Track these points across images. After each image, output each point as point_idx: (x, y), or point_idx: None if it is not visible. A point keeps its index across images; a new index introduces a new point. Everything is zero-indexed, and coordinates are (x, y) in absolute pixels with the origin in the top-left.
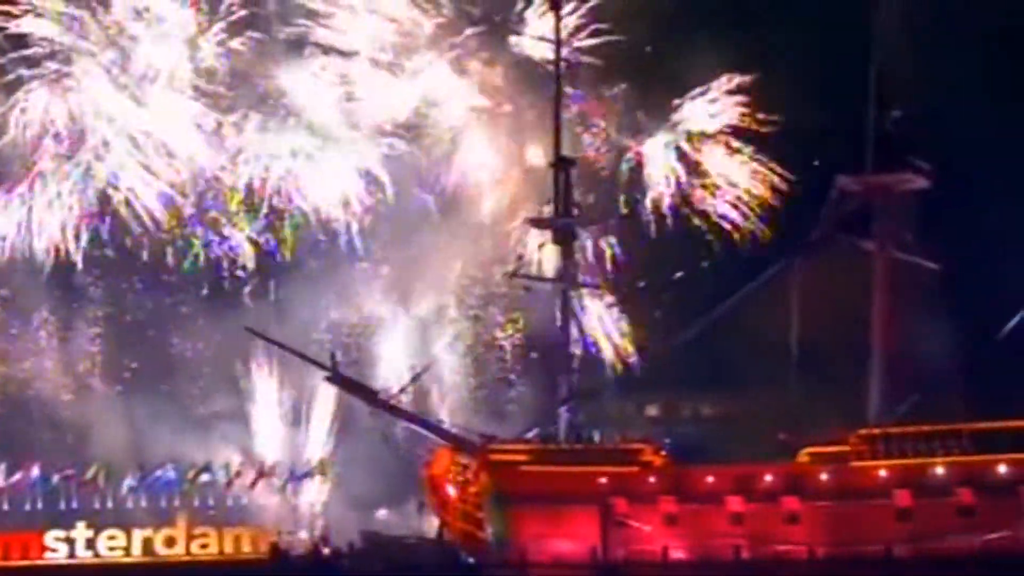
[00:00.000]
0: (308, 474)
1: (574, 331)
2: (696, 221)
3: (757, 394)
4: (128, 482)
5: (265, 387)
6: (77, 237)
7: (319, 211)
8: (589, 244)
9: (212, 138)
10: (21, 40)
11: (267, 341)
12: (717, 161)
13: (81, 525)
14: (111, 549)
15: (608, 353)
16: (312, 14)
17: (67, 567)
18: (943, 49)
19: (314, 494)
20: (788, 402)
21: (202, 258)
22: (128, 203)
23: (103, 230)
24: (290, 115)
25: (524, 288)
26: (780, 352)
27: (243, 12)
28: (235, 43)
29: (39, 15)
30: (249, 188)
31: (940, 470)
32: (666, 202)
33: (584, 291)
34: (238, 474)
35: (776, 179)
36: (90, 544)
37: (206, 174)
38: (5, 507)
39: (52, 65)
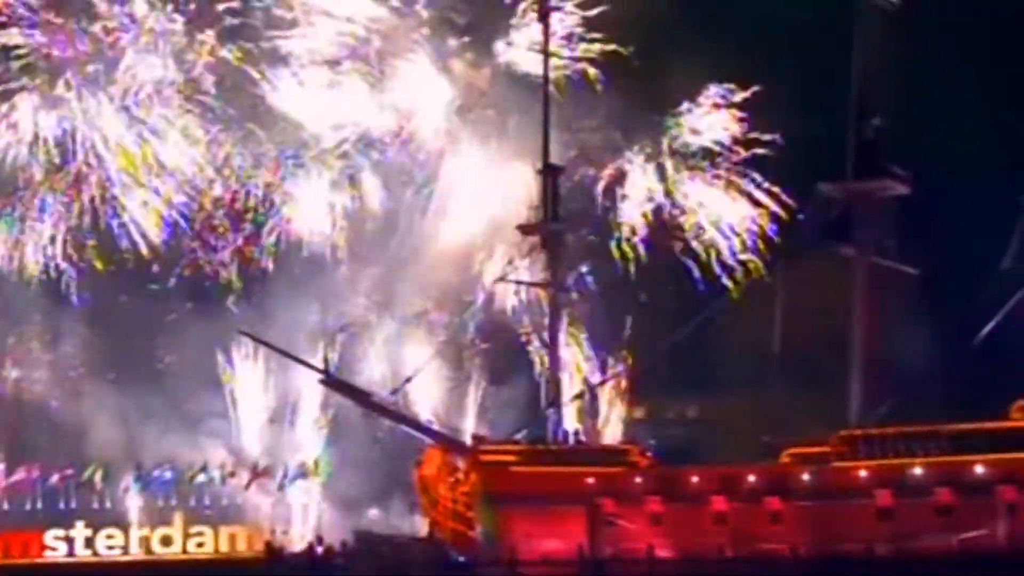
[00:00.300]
0: (302, 475)
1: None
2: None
3: (740, 397)
4: (126, 482)
5: (254, 390)
6: (66, 248)
7: (304, 218)
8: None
9: (199, 148)
10: (8, 51)
11: (262, 344)
12: (703, 192)
13: (80, 524)
14: (109, 548)
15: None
16: (293, 23)
17: (66, 565)
18: (923, 59)
19: (307, 494)
20: (771, 405)
21: (187, 271)
22: (117, 213)
23: (90, 241)
24: (275, 123)
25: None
26: (763, 356)
27: (230, 23)
28: (223, 53)
29: (29, 25)
30: (234, 198)
31: (919, 470)
32: (640, 231)
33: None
34: (232, 474)
35: (768, 200)
36: (89, 543)
37: (194, 182)
38: (6, 507)
39: (39, 76)
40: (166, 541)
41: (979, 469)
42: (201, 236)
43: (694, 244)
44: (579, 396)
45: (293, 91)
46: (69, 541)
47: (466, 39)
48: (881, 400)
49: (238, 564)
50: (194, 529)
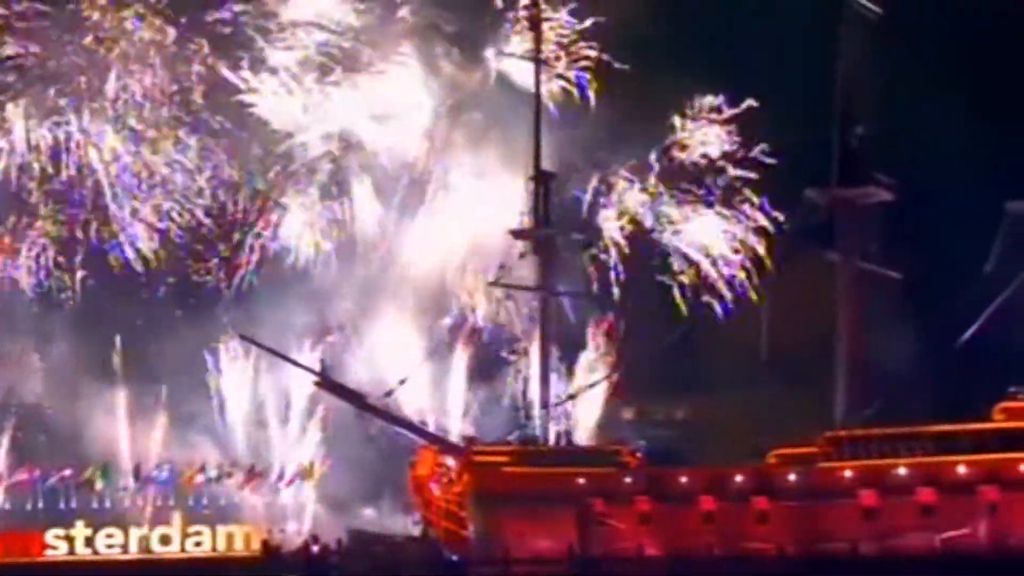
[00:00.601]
0: (297, 476)
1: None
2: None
3: (729, 399)
4: (125, 483)
5: (246, 392)
6: (59, 259)
7: (292, 225)
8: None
9: (189, 157)
10: (2, 61)
11: (259, 347)
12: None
13: (80, 524)
14: (109, 547)
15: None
16: (280, 33)
17: (67, 564)
18: (906, 68)
19: (302, 494)
20: (758, 407)
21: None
22: (108, 222)
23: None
24: (264, 133)
25: (506, 296)
26: (751, 359)
27: (220, 32)
28: (213, 63)
29: (19, 36)
30: (223, 206)
31: (903, 471)
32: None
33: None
34: (229, 475)
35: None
36: (89, 542)
37: (185, 191)
38: (7, 507)
39: (32, 86)
40: (165, 540)
41: (961, 469)
42: (191, 244)
43: (676, 266)
44: (571, 398)
45: (282, 100)
46: (69, 540)
47: (454, 49)
48: (866, 402)
49: (235, 563)
50: (192, 528)
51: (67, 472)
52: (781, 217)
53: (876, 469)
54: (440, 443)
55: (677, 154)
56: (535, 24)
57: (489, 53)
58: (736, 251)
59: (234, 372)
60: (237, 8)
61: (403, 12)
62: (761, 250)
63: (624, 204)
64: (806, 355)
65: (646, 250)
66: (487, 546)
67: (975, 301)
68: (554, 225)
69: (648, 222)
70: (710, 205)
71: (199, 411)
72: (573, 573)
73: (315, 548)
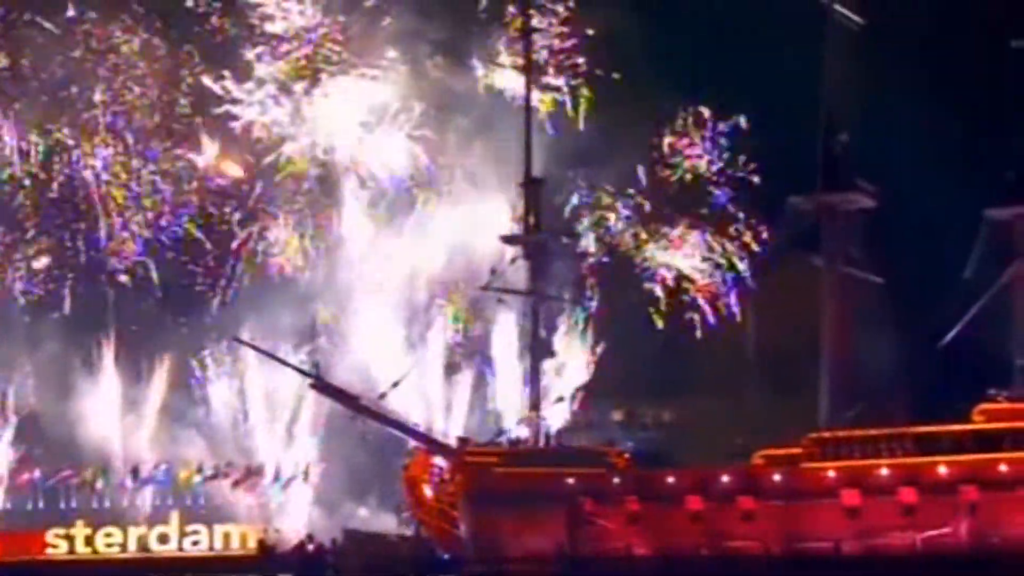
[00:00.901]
0: (294, 477)
1: None
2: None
3: (715, 401)
4: (123, 483)
5: (239, 393)
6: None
7: (281, 233)
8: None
9: (177, 166)
10: None
11: (255, 350)
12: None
13: (80, 523)
14: (108, 546)
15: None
16: (268, 43)
17: (67, 563)
18: (888, 77)
19: (297, 494)
20: (744, 408)
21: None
22: (99, 227)
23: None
24: (253, 143)
25: (498, 300)
26: (737, 362)
27: (208, 43)
28: (201, 73)
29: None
30: (211, 214)
31: (885, 471)
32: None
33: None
34: (226, 475)
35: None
36: (88, 541)
37: (169, 200)
38: (8, 506)
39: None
40: (163, 539)
41: (942, 470)
42: (181, 251)
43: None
44: (560, 400)
45: (270, 110)
46: (69, 539)
47: (439, 58)
48: (849, 403)
49: (232, 561)
50: (190, 528)
51: (67, 472)
52: (765, 233)
53: (859, 469)
54: (433, 444)
55: (662, 173)
56: (526, 33)
57: (476, 61)
58: (717, 266)
59: (224, 376)
60: (225, 20)
61: (387, 20)
62: (743, 266)
63: (606, 217)
64: (791, 358)
65: (626, 266)
66: (479, 545)
67: (955, 306)
68: (545, 230)
69: (628, 237)
70: (694, 227)
71: (201, 412)
72: (563, 573)
73: (310, 547)
